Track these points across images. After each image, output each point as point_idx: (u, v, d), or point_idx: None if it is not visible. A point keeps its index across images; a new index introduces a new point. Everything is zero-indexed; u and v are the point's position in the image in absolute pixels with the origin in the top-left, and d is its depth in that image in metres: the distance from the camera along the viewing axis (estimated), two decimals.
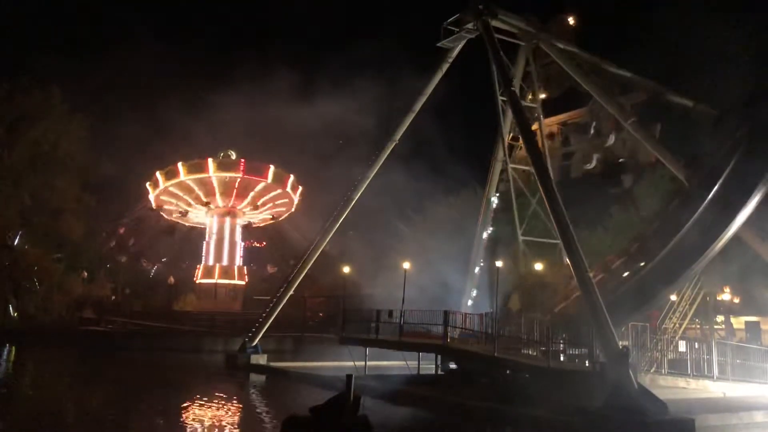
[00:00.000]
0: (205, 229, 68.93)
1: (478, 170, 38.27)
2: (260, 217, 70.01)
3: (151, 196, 63.83)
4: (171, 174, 61.64)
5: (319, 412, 12.27)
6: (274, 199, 65.51)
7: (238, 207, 66.17)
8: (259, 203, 65.67)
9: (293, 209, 67.87)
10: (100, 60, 69.62)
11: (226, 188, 62.79)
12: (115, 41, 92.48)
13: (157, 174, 62.01)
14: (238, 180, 62.17)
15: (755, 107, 26.15)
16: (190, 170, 61.18)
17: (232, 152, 65.05)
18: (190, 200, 64.01)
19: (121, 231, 71.75)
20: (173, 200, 64.51)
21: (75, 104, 57.43)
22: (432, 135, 38.65)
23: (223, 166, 61.73)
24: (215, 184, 62.28)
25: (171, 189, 62.76)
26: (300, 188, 65.17)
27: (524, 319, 24.92)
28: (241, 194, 63.79)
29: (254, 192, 63.79)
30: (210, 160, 61.35)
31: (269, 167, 62.38)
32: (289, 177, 63.43)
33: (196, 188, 62.56)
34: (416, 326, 26.93)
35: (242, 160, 62.25)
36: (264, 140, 66.64)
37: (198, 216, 67.52)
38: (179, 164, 61.14)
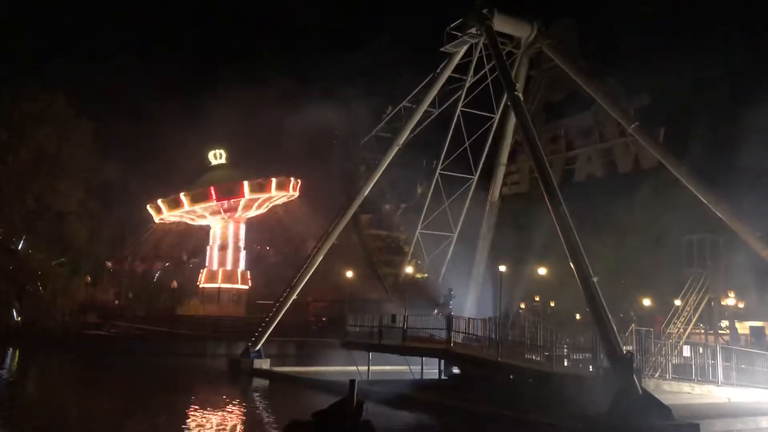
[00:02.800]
0: (200, 228, 68.85)
1: (482, 173, 38.06)
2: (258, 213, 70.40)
3: (165, 214, 63.18)
4: (201, 197, 60.98)
5: (322, 417, 12.23)
6: (280, 200, 66.87)
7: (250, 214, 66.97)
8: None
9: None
10: (103, 65, 69.77)
11: (250, 202, 63.69)
12: (116, 47, 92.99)
13: (182, 196, 60.75)
14: (265, 197, 63.38)
15: None
16: (223, 194, 60.96)
17: (222, 151, 65.51)
18: (205, 213, 64.27)
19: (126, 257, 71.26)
20: (186, 215, 64.52)
21: (79, 109, 57.66)
22: (433, 137, 38.59)
23: (256, 187, 61.98)
24: (242, 203, 63.08)
25: (196, 209, 62.58)
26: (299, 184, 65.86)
27: (528, 324, 24.86)
28: (261, 205, 65.02)
29: (270, 201, 65.13)
30: (246, 183, 61.02)
31: (290, 180, 63.22)
32: (298, 182, 64.27)
33: (219, 207, 63.12)
34: (419, 331, 26.89)
35: (272, 178, 62.44)
36: (265, 139, 66.77)
37: (198, 220, 67.45)
38: (212, 189, 60.39)
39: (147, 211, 64.04)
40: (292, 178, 62.88)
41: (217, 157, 65.84)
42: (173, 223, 66.77)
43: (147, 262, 71.60)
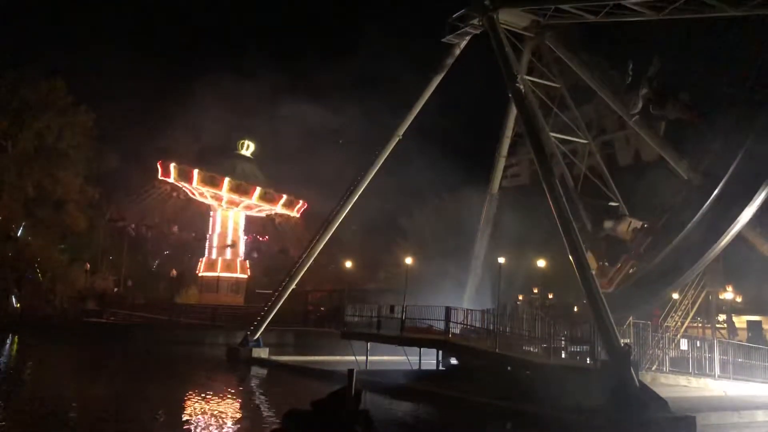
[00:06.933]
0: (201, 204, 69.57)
1: (482, 165, 38.10)
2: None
3: (171, 179, 63.87)
4: (212, 182, 62.94)
5: (320, 406, 12.29)
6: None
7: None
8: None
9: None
10: (105, 53, 69.68)
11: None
12: (118, 35, 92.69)
13: (195, 172, 62.36)
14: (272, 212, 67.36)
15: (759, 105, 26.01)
16: (233, 189, 63.17)
17: (251, 143, 66.92)
18: (207, 194, 65.03)
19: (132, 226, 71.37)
20: (195, 189, 65.21)
21: (79, 96, 57.58)
22: (434, 130, 38.57)
23: (264, 197, 65.08)
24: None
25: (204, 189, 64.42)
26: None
27: (526, 316, 24.88)
28: (261, 210, 68.68)
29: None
30: (258, 188, 63.96)
31: (299, 201, 66.64)
32: (304, 204, 66.55)
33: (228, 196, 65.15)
34: (418, 321, 26.96)
35: (282, 195, 65.78)
36: (268, 130, 67.11)
37: (199, 198, 67.67)
38: (226, 179, 62.65)
39: (145, 202, 64.71)
40: (301, 201, 67.10)
41: (244, 147, 67.51)
42: (173, 189, 67.10)
43: (143, 222, 71.63)
